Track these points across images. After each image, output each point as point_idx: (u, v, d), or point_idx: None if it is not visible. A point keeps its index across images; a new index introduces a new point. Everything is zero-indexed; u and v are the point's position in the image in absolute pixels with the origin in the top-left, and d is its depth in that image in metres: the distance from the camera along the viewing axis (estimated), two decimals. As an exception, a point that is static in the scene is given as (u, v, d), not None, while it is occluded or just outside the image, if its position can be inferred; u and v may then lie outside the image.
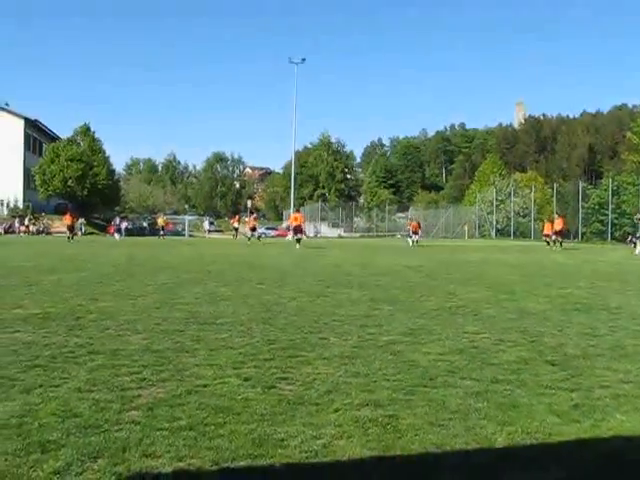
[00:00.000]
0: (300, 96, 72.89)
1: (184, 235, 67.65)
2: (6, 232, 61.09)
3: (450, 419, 4.35)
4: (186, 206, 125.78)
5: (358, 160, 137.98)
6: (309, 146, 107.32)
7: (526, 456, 3.78)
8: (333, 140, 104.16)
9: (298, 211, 44.00)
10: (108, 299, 10.48)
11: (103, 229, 65.21)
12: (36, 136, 75.62)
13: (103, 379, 5.28)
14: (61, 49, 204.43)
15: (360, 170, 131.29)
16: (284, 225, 77.04)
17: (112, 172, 76.07)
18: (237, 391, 4.98)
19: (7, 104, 72.60)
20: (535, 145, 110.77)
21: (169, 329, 7.70)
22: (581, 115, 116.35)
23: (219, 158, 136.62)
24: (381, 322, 8.46)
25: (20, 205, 67.79)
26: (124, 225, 62.70)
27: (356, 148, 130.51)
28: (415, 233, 42.13)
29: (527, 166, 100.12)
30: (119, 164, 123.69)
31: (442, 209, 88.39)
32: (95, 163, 68.71)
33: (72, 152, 66.49)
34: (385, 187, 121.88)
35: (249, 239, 44.45)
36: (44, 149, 73.25)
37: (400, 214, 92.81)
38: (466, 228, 74.91)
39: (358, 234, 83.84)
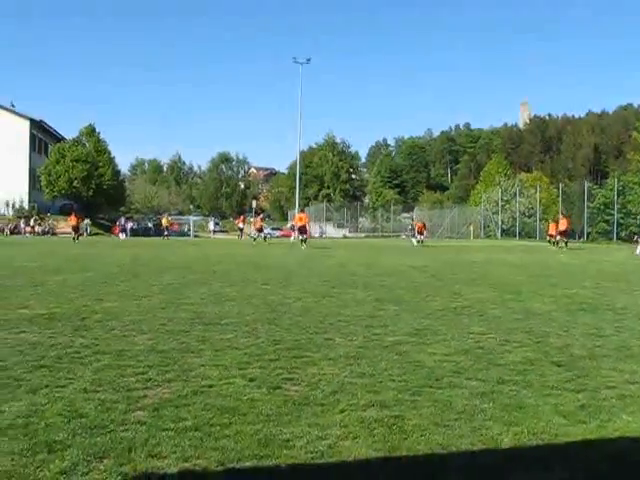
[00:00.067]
0: (305, 96, 73.00)
1: (189, 235, 67.64)
2: (12, 233, 61.21)
3: (456, 420, 4.35)
4: (191, 206, 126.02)
5: (363, 160, 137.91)
6: (314, 146, 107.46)
7: (532, 457, 3.78)
8: (338, 140, 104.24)
9: (303, 211, 44.05)
10: (113, 299, 10.50)
11: (108, 229, 65.26)
12: (41, 137, 75.75)
13: (109, 379, 5.29)
14: (66, 50, 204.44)
15: (365, 170, 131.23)
16: (289, 225, 77.01)
17: (117, 173, 76.21)
18: (243, 392, 4.98)
19: (13, 105, 72.89)
20: (540, 145, 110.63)
21: (174, 329, 7.71)
22: (586, 115, 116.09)
23: (224, 158, 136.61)
24: (386, 322, 8.46)
25: (26, 206, 67.90)
26: (129, 225, 62.78)
27: (361, 148, 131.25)
28: (420, 233, 42.12)
29: (532, 166, 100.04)
30: (124, 165, 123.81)
31: (447, 209, 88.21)
32: (100, 164, 68.83)
33: (77, 153, 66.61)
34: (390, 187, 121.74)
35: (254, 239, 44.49)
36: (49, 150, 73.37)
37: (405, 214, 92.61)
38: (471, 228, 74.74)
39: (363, 234, 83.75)
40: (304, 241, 34.15)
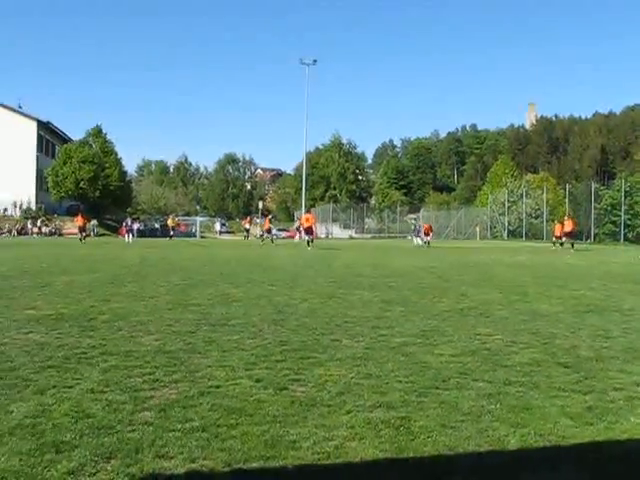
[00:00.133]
0: (311, 97, 73.03)
1: (195, 236, 67.75)
2: (19, 233, 61.47)
3: (462, 421, 4.34)
4: (197, 207, 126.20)
5: (369, 161, 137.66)
6: (320, 147, 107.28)
7: (539, 458, 3.77)
8: (344, 141, 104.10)
9: (309, 212, 44.03)
10: (120, 300, 10.52)
11: (115, 230, 65.42)
12: (49, 138, 76.01)
13: (116, 380, 5.30)
14: (73, 51, 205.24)
15: (371, 171, 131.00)
16: (295, 226, 77.06)
17: (124, 174, 76.36)
18: (249, 392, 4.99)
19: (20, 106, 73.16)
20: (547, 146, 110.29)
21: (181, 330, 7.72)
22: (593, 116, 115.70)
23: (230, 159, 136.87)
24: (393, 324, 8.46)
25: (33, 207, 68.15)
26: (136, 226, 62.90)
27: (367, 149, 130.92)
28: (427, 235, 42.17)
29: (539, 167, 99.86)
30: (131, 166, 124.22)
31: (454, 210, 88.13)
32: (107, 165, 69.02)
33: (84, 154, 66.79)
34: (396, 188, 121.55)
35: (263, 240, 44.64)
36: (56, 151, 73.69)
37: (411, 215, 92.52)
38: (478, 229, 74.71)
39: (369, 235, 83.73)
40: (310, 242, 34.14)
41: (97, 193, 66.64)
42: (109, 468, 3.50)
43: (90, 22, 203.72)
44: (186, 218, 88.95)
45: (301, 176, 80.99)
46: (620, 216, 55.19)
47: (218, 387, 5.12)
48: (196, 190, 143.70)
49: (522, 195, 70.98)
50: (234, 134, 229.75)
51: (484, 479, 3.53)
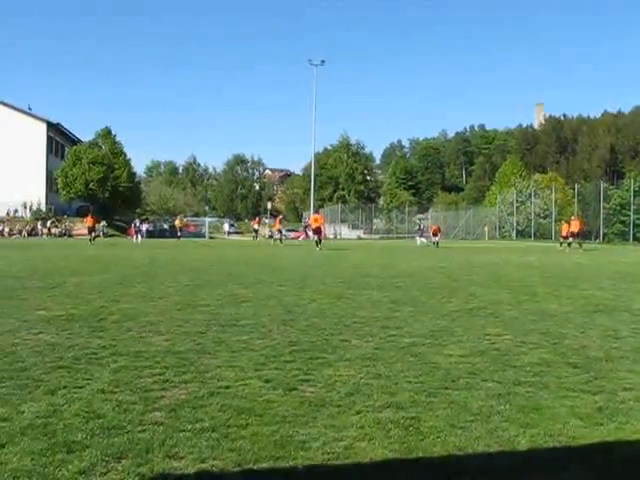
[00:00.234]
0: (319, 98, 73.00)
1: (204, 237, 67.87)
2: (29, 234, 61.75)
3: (472, 421, 4.34)
4: (206, 208, 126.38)
5: (378, 162, 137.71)
6: (329, 148, 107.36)
7: (549, 459, 3.76)
8: (352, 142, 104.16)
9: (318, 212, 44.09)
10: (130, 301, 10.56)
11: (124, 231, 65.65)
12: (58, 139, 76.35)
13: (126, 380, 5.32)
14: (80, 52, 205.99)
15: (380, 172, 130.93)
16: (302, 226, 77.11)
17: (133, 175, 76.72)
18: (259, 393, 5.00)
19: (30, 108, 73.51)
20: (556, 146, 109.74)
21: (191, 331, 7.75)
22: (602, 115, 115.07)
23: (239, 160, 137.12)
24: (402, 324, 8.46)
25: (43, 208, 68.48)
26: (145, 227, 63.11)
27: (375, 149, 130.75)
28: (435, 235, 42.19)
29: (548, 167, 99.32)
30: (140, 167, 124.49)
31: (462, 210, 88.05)
32: (116, 166, 69.33)
33: (94, 155, 67.12)
34: (405, 188, 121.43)
35: (274, 240, 44.82)
36: (66, 152, 74.01)
37: (420, 215, 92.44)
38: (486, 229, 74.58)
39: (378, 236, 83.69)
40: (319, 242, 34.13)
41: (106, 194, 66.98)
42: (120, 468, 3.51)
43: (96, 23, 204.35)
44: (195, 219, 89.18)
45: (309, 177, 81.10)
46: (629, 216, 54.93)
47: (228, 387, 5.14)
48: (205, 191, 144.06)
49: (531, 195, 70.80)
50: (243, 135, 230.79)
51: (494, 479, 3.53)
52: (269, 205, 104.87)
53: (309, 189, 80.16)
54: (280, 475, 3.50)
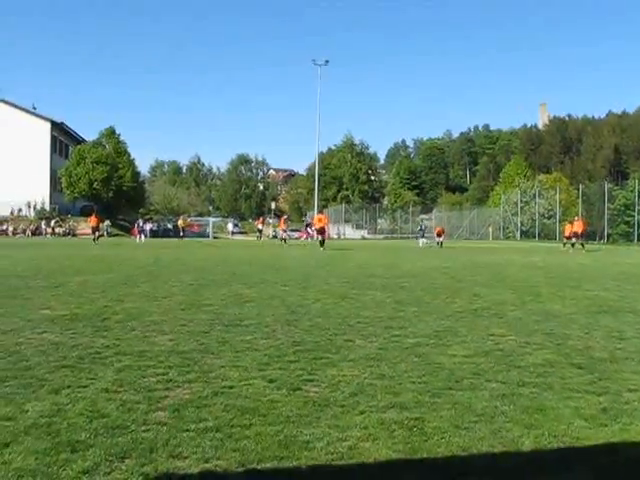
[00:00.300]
0: (323, 98, 73.05)
1: (208, 236, 67.92)
2: (33, 234, 61.85)
3: (476, 422, 4.33)
4: (210, 208, 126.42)
5: (382, 162, 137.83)
6: (333, 148, 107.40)
7: (553, 460, 3.76)
8: (357, 141, 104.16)
9: (322, 212, 44.10)
10: (134, 300, 10.56)
11: (128, 231, 65.72)
12: (62, 139, 76.49)
13: (130, 380, 5.33)
14: (85, 52, 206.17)
15: (384, 172, 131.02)
16: (304, 224, 77.10)
17: (137, 174, 76.76)
18: (263, 393, 5.00)
19: (34, 107, 73.64)
20: (560, 146, 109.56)
21: (195, 330, 7.75)
22: (607, 115, 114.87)
23: (243, 160, 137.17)
24: (406, 324, 8.45)
25: (47, 207, 68.58)
26: (148, 227, 63.21)
27: (380, 149, 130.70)
28: (439, 236, 42.23)
29: (552, 167, 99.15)
30: (144, 167, 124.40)
31: (466, 211, 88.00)
32: (120, 165, 69.39)
33: (98, 154, 67.21)
34: (409, 188, 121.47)
35: (281, 240, 44.92)
36: (70, 151, 74.08)
37: (424, 216, 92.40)
38: (490, 230, 74.51)
39: (382, 236, 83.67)
40: (322, 242, 34.12)
41: (110, 194, 67.06)
42: (123, 467, 3.51)
43: (102, 23, 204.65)
44: (199, 219, 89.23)
45: (313, 177, 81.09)
46: (634, 216, 54.89)
47: (232, 387, 5.14)
48: (209, 191, 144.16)
49: (535, 195, 70.73)
50: (246, 135, 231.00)
51: (498, 480, 3.53)
52: (273, 205, 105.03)
53: (313, 189, 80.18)
54: (284, 475, 3.50)
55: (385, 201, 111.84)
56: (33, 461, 3.55)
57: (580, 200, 63.06)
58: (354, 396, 4.92)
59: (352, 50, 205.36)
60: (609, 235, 57.94)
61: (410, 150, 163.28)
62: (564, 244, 40.02)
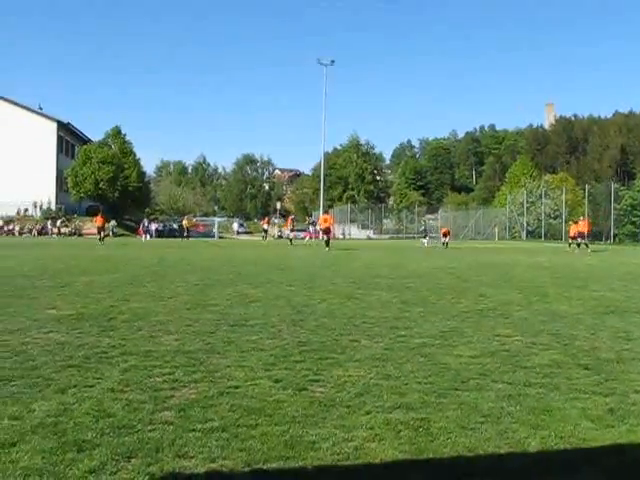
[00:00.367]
0: (329, 98, 73.05)
1: (214, 236, 67.95)
2: (39, 234, 61.99)
3: (482, 423, 4.33)
4: (216, 208, 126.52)
5: (387, 162, 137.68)
6: (338, 148, 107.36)
7: (559, 461, 3.75)
8: (362, 141, 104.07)
9: (327, 213, 44.09)
10: (140, 300, 10.58)
11: (134, 231, 65.79)
12: (68, 139, 76.64)
13: (136, 380, 5.34)
14: (90, 53, 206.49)
15: (389, 172, 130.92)
16: (307, 222, 77.07)
17: (143, 174, 76.86)
18: (269, 393, 5.00)
19: (41, 107, 73.80)
20: (566, 146, 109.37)
21: (200, 330, 7.76)
22: (613, 115, 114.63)
23: (249, 160, 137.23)
24: (412, 324, 8.44)
25: (53, 207, 68.72)
26: (154, 227, 63.31)
27: (385, 150, 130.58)
28: (445, 236, 42.21)
29: (558, 167, 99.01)
30: (149, 167, 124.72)
31: (472, 211, 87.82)
32: (126, 165, 69.46)
33: (103, 154, 67.30)
34: (414, 189, 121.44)
35: (290, 240, 45.00)
36: (76, 151, 74.21)
37: (429, 216, 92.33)
38: (496, 230, 74.37)
39: (387, 236, 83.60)
40: (328, 242, 34.09)
41: (116, 193, 67.15)
42: (130, 467, 3.52)
43: (106, 24, 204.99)
44: (204, 219, 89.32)
45: (319, 177, 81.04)
46: (640, 217, 54.71)
47: (237, 387, 5.14)
48: (214, 191, 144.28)
49: (541, 195, 70.54)
50: (252, 135, 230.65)
51: (504, 481, 3.52)
52: (278, 205, 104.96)
53: (318, 189, 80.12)
54: (290, 475, 3.50)
55: (391, 201, 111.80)
56: (40, 460, 3.56)
57: (586, 200, 62.84)
58: (360, 396, 4.92)
59: (354, 50, 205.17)
60: (615, 235, 57.75)
61: (416, 150, 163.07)
62: (569, 244, 39.92)
